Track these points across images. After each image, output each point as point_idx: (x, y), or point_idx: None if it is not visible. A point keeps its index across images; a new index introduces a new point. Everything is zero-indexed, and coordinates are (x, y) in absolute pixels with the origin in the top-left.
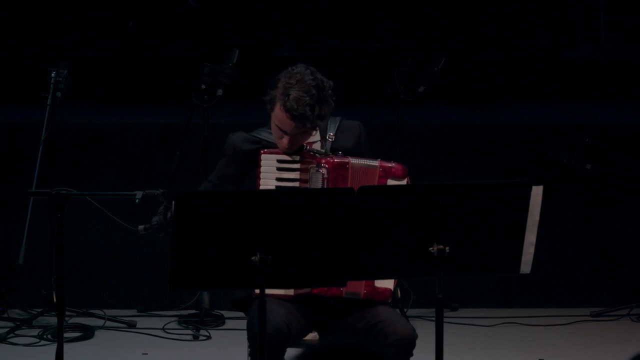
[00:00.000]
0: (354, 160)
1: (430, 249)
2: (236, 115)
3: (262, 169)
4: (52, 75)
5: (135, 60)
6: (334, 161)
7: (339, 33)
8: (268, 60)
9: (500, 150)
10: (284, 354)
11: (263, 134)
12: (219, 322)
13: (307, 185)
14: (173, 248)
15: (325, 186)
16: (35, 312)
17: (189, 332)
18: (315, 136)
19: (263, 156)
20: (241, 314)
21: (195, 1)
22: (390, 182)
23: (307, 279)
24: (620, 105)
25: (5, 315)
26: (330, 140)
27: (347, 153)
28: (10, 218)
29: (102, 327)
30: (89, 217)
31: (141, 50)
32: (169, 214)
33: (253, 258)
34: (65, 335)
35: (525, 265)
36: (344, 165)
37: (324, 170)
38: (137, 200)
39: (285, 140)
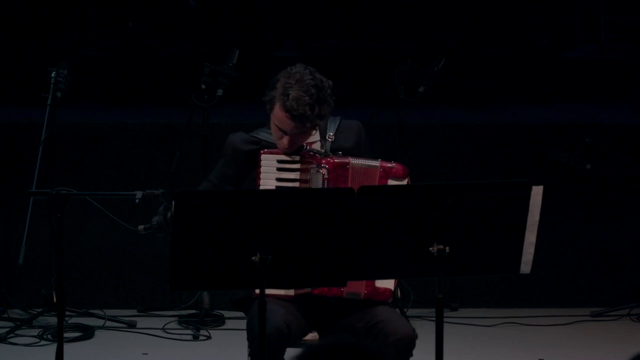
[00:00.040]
0: (354, 161)
1: (430, 249)
2: (236, 115)
3: (262, 169)
4: (52, 75)
5: (135, 60)
6: (334, 161)
7: (339, 33)
8: (268, 60)
9: (500, 150)
10: (283, 354)
11: (263, 135)
12: (219, 322)
13: (308, 186)
14: (173, 248)
15: (325, 186)
16: (35, 312)
17: (189, 332)
18: (315, 136)
19: (263, 156)
20: (241, 314)
21: (195, 1)
22: (391, 182)
23: (307, 279)
24: (620, 105)
25: (5, 315)
26: (330, 140)
27: (347, 153)
28: (10, 218)
29: (102, 327)
30: (89, 217)
31: (141, 50)
32: (169, 214)
33: (253, 258)
34: (65, 335)
35: (525, 265)
36: (345, 166)
37: (324, 171)
38: (137, 200)
39: (285, 141)
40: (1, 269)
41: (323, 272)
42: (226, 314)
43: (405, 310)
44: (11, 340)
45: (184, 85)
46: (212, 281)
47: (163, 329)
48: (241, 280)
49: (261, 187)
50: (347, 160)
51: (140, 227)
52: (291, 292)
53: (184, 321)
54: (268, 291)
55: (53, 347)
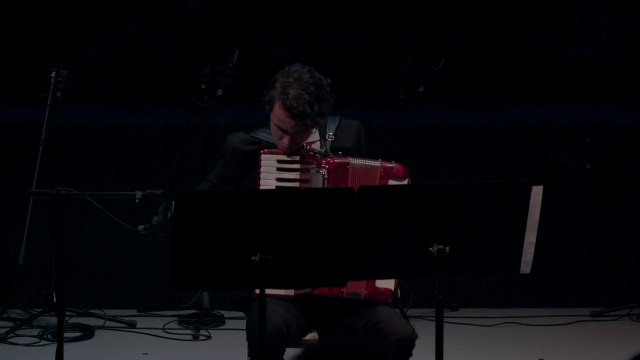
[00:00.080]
0: (354, 161)
1: (430, 249)
2: (236, 115)
3: (262, 169)
4: (52, 75)
5: (135, 60)
6: (334, 162)
7: (339, 33)
8: (268, 60)
9: (500, 150)
10: (283, 354)
11: (262, 135)
12: (219, 322)
13: (308, 186)
14: (173, 248)
15: (325, 186)
16: (35, 312)
17: (189, 332)
18: (315, 136)
19: (263, 156)
20: (241, 314)
21: (195, 1)
22: (391, 182)
23: (307, 279)
24: (620, 105)
25: (5, 315)
26: (329, 140)
27: (346, 153)
28: (10, 218)
29: (102, 327)
30: (89, 217)
31: (141, 50)
32: (169, 214)
33: (253, 258)
34: (65, 335)
35: (525, 265)
36: (345, 166)
37: (324, 171)
38: (137, 200)
39: (285, 140)
40: (1, 269)
41: (323, 272)
42: (226, 314)
43: (405, 310)
44: (11, 340)
45: (184, 85)
46: (212, 281)
47: (163, 329)
48: (241, 280)
49: (261, 187)
50: (347, 160)
51: (140, 227)
52: (291, 292)
53: (184, 321)
54: (268, 291)
55: (53, 347)
